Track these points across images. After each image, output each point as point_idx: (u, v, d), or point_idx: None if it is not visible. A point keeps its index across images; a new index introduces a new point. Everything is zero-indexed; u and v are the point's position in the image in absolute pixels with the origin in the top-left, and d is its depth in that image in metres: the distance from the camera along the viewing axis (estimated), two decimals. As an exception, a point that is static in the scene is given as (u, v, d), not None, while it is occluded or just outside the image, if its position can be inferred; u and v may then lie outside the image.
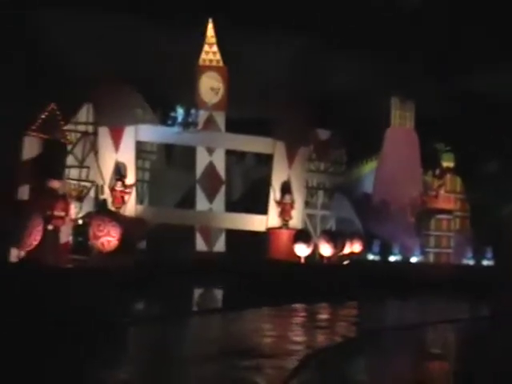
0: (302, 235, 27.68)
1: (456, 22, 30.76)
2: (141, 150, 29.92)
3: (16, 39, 21.04)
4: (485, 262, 31.56)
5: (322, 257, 27.84)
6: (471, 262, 31.63)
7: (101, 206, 25.31)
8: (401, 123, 32.36)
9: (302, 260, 27.37)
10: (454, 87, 32.27)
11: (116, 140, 28.22)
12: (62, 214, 19.73)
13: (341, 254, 28.28)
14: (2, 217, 18.23)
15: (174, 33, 29.21)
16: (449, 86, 32.24)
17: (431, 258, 31.82)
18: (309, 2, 29.98)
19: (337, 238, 27.69)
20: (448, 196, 31.85)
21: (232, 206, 30.63)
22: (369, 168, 33.27)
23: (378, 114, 31.23)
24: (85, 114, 27.84)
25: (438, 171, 32.14)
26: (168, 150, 31.83)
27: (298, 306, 20.92)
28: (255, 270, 25.21)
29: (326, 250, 27.42)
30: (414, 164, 32.32)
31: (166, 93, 29.32)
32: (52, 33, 25.54)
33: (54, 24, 26.12)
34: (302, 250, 27.18)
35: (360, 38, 30.08)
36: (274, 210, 29.79)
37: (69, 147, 24.45)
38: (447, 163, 32.28)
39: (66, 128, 22.66)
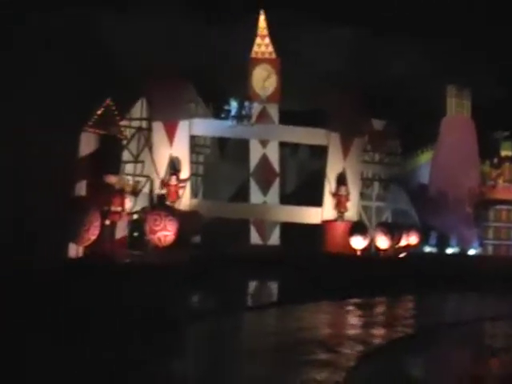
0: (358, 227, 27.42)
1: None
2: (195, 144, 29.94)
3: (73, 36, 21.19)
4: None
5: (378, 249, 27.54)
6: (533, 254, 30.78)
7: (159, 200, 25.40)
8: (457, 112, 31.70)
9: (358, 253, 27.16)
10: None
11: (170, 134, 28.28)
12: (119, 208, 19.98)
13: (397, 246, 27.92)
14: (60, 213, 18.48)
15: (226, 26, 29.10)
16: (506, 71, 31.35)
17: (490, 250, 31.00)
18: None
19: (394, 230, 27.36)
20: (507, 186, 31.00)
21: (286, 199, 30.40)
22: (425, 158, 32.71)
23: (434, 102, 30.60)
24: (139, 109, 27.95)
25: (496, 160, 31.31)
26: (221, 143, 31.75)
27: (354, 299, 20.56)
28: (311, 263, 25.00)
29: (382, 242, 27.11)
30: (471, 153, 31.61)
31: (220, 86, 29.29)
32: (104, 28, 25.61)
33: (107, 20, 26.23)
34: (358, 243, 26.92)
35: (415, 26, 29.50)
36: (329, 202, 29.49)
37: (124, 142, 24.66)
38: (506, 152, 31.40)
39: (120, 124, 22.89)
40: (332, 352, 12.31)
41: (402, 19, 29.54)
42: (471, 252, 30.48)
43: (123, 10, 27.03)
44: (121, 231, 20.96)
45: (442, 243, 30.23)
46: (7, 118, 18.07)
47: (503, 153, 31.44)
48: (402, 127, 31.12)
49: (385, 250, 27.36)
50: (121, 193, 20.41)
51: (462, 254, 30.17)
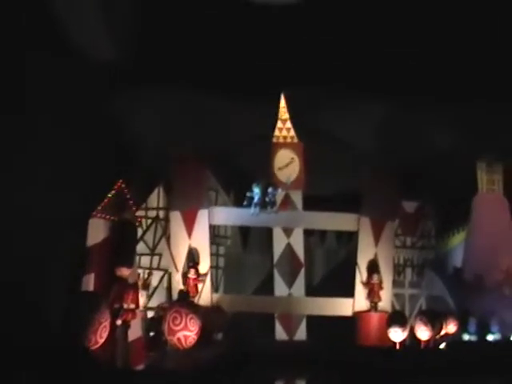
0: (396, 318, 23.55)
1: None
2: (215, 234, 26.73)
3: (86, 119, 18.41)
4: None
5: (418, 341, 23.58)
6: None
7: (180, 296, 21.88)
8: (488, 189, 28.35)
9: (397, 346, 23.24)
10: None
11: (188, 225, 24.97)
12: (132, 306, 16.30)
13: (437, 336, 24.03)
14: (64, 311, 15.06)
15: (246, 110, 26.37)
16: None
17: (535, 335, 27.05)
18: (388, 63, 26.68)
19: (434, 319, 23.48)
20: (551, 264, 27.37)
21: (313, 290, 26.89)
22: (458, 240, 29.17)
23: (466, 180, 27.42)
24: (155, 198, 24.93)
25: (535, 237, 27.75)
26: (243, 233, 28.38)
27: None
28: (344, 358, 21.38)
29: (423, 333, 23.18)
30: (505, 232, 28.07)
31: (240, 173, 26.34)
32: (118, 111, 22.87)
33: (122, 102, 23.53)
34: (397, 335, 23.01)
35: (444, 99, 26.57)
36: (360, 291, 25.85)
37: (139, 233, 21.41)
38: (544, 227, 27.94)
39: (136, 213, 19.72)
40: None
41: (432, 93, 26.56)
42: (514, 338, 26.56)
43: (140, 94, 24.34)
44: (136, 332, 17.19)
45: (482, 330, 26.28)
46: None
47: (541, 227, 27.98)
48: (434, 208, 27.88)
49: (426, 342, 23.39)
50: (135, 288, 16.76)
51: (505, 341, 25.91)
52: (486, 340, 26.02)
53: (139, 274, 20.73)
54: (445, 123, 28.19)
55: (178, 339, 17.31)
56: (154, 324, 19.53)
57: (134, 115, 24.38)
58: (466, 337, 26.10)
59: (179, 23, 26.74)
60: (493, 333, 26.20)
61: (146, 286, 21.34)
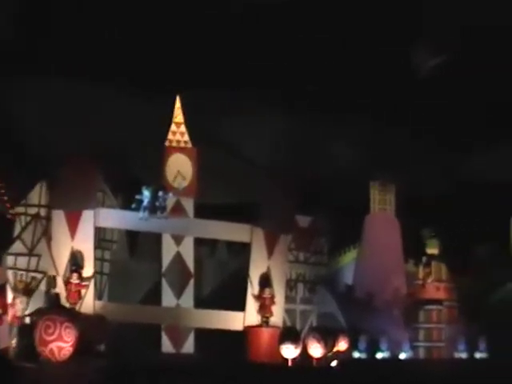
0: (289, 334, 21.61)
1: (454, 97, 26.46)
2: (100, 238, 24.18)
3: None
4: (478, 355, 25.87)
5: (310, 358, 21.80)
6: (464, 355, 25.96)
7: (52, 301, 19.08)
8: (381, 208, 27.46)
9: (289, 363, 21.36)
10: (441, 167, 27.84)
11: (72, 225, 22.46)
12: None
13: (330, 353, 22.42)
14: None
15: (139, 110, 24.22)
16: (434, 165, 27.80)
17: (421, 353, 26.07)
18: (291, 78, 25.48)
19: (327, 336, 21.82)
20: (436, 285, 26.60)
21: (203, 302, 24.82)
22: (349, 258, 28.09)
23: (360, 198, 26.42)
24: (37, 194, 22.15)
25: (424, 259, 26.90)
26: (131, 238, 25.87)
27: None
28: (232, 374, 19.37)
29: (316, 350, 21.40)
30: (395, 252, 27.46)
31: (131, 175, 24.10)
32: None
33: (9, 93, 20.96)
34: (289, 352, 21.06)
35: (342, 118, 25.58)
36: (251, 305, 24.07)
37: (17, 231, 18.61)
38: (432, 250, 27.12)
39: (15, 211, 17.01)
40: None
41: (332, 111, 25.60)
42: (402, 356, 25.56)
43: (25, 81, 21.85)
44: (5, 340, 14.45)
45: (372, 348, 25.27)
46: None
47: (429, 251, 27.17)
48: (330, 224, 26.53)
49: (318, 359, 21.65)
50: (3, 290, 14.01)
51: (394, 359, 25.23)
52: (376, 358, 25.17)
53: (16, 276, 17.94)
54: (342, 141, 27.27)
55: (51, 351, 14.72)
56: (27, 332, 16.79)
57: (23, 107, 21.83)
58: (356, 354, 25.12)
59: (76, 14, 24.73)
60: (382, 351, 25.41)
61: (28, 291, 18.52)
